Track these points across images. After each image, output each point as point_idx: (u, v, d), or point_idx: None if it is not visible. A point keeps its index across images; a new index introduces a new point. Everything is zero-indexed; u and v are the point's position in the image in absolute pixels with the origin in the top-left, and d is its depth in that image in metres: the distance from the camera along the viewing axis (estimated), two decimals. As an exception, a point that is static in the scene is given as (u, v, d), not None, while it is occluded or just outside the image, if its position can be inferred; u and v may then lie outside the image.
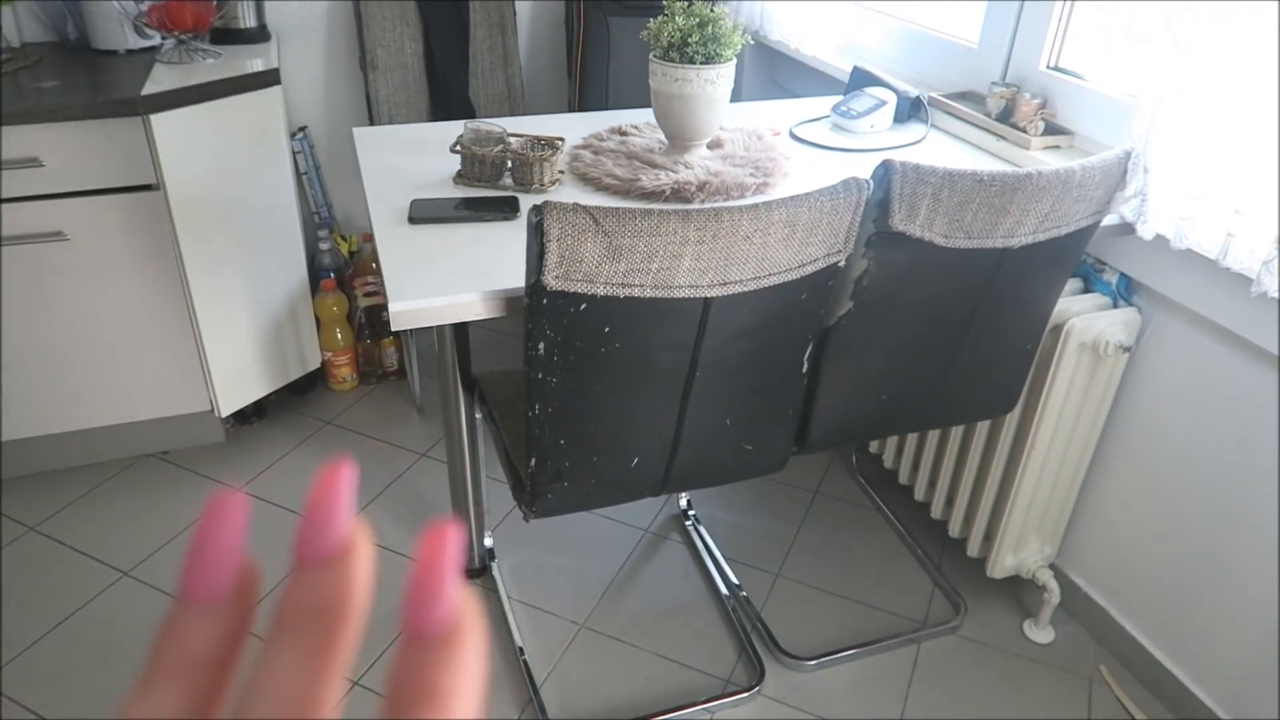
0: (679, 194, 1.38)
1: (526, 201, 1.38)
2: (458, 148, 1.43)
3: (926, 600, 1.79)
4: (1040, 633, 1.73)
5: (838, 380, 1.32)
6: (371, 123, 2.35)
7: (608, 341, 1.07)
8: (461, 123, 1.54)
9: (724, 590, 1.79)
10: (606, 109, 2.07)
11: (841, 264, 1.11)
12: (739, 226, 0.99)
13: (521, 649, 1.64)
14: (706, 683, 1.59)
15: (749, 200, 1.23)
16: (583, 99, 2.32)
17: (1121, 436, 1.59)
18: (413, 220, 1.30)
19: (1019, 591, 1.81)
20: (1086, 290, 1.57)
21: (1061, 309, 1.48)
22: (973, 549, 1.76)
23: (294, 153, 2.30)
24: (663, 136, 1.58)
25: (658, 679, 1.60)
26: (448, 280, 1.14)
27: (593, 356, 1.09)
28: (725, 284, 1.04)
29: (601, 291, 1.00)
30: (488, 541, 1.84)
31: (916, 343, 1.31)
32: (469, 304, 1.12)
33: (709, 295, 1.04)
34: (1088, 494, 1.68)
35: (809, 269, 1.09)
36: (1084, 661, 1.68)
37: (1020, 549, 1.71)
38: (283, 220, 2.05)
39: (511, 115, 2.33)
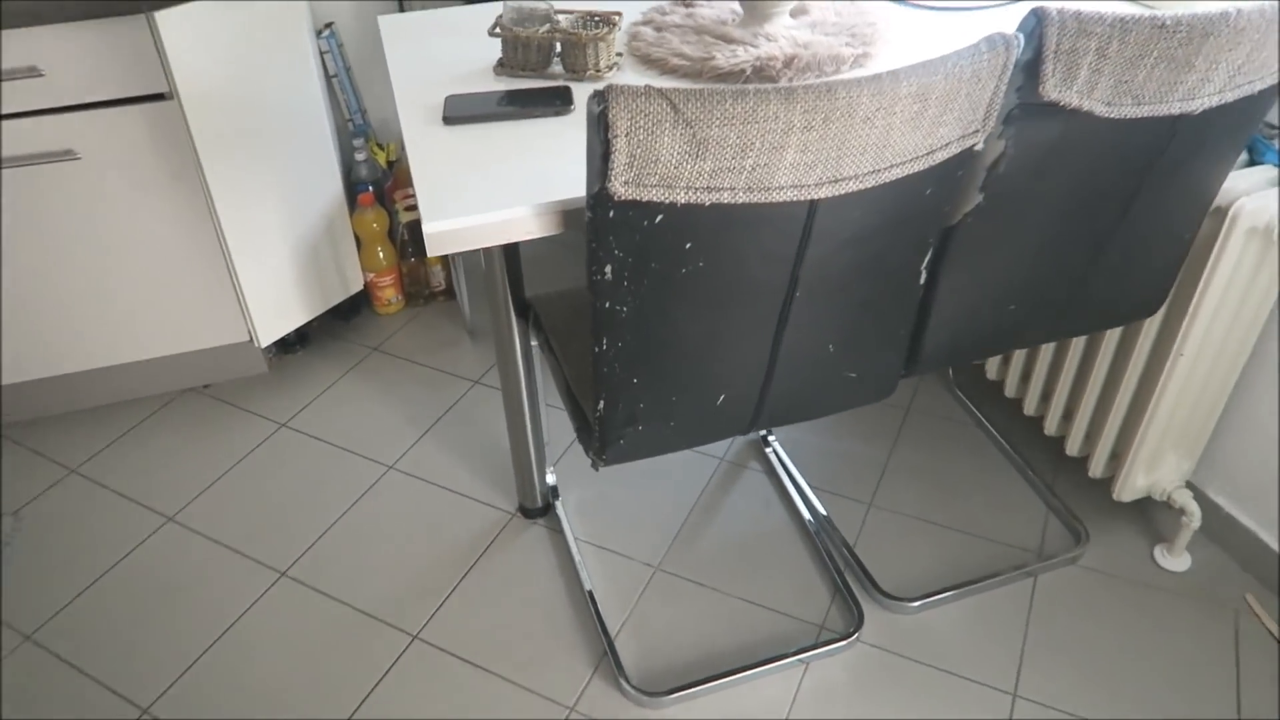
0: (762, 73, 1.15)
1: (581, 92, 1.16)
2: (497, 31, 1.21)
3: (1040, 528, 1.61)
4: (1175, 560, 1.53)
5: (959, 289, 1.11)
6: (402, 10, 2.12)
7: (689, 260, 0.88)
8: (501, 2, 1.31)
9: (812, 523, 1.62)
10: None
11: (979, 146, 0.89)
12: (857, 106, 0.77)
13: (592, 594, 1.50)
14: (798, 629, 1.45)
15: (855, 73, 1.00)
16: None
17: (1286, 340, 1.35)
18: (448, 120, 1.10)
19: (1147, 514, 1.61)
20: (1252, 162, 1.31)
21: (1225, 187, 1.22)
22: (1096, 469, 1.56)
23: (321, 53, 2.08)
24: (737, 5, 1.34)
25: (743, 625, 1.45)
26: (492, 192, 0.95)
27: (671, 278, 0.89)
28: (837, 181, 0.82)
29: (682, 198, 0.80)
30: (550, 478, 1.69)
31: (1056, 240, 1.08)
32: (518, 221, 0.92)
33: (816, 196, 0.83)
34: (1236, 400, 1.46)
35: (939, 155, 0.87)
36: (1228, 590, 1.48)
37: (1154, 467, 1.50)
38: (313, 129, 1.86)
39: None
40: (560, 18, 1.23)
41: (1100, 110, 0.91)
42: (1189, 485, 1.55)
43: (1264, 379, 1.40)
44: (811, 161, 0.80)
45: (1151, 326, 1.38)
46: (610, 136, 0.75)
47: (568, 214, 0.94)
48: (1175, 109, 0.94)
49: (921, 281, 1.04)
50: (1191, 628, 1.43)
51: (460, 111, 1.10)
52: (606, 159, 0.77)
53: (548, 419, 1.82)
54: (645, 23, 1.32)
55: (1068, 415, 1.61)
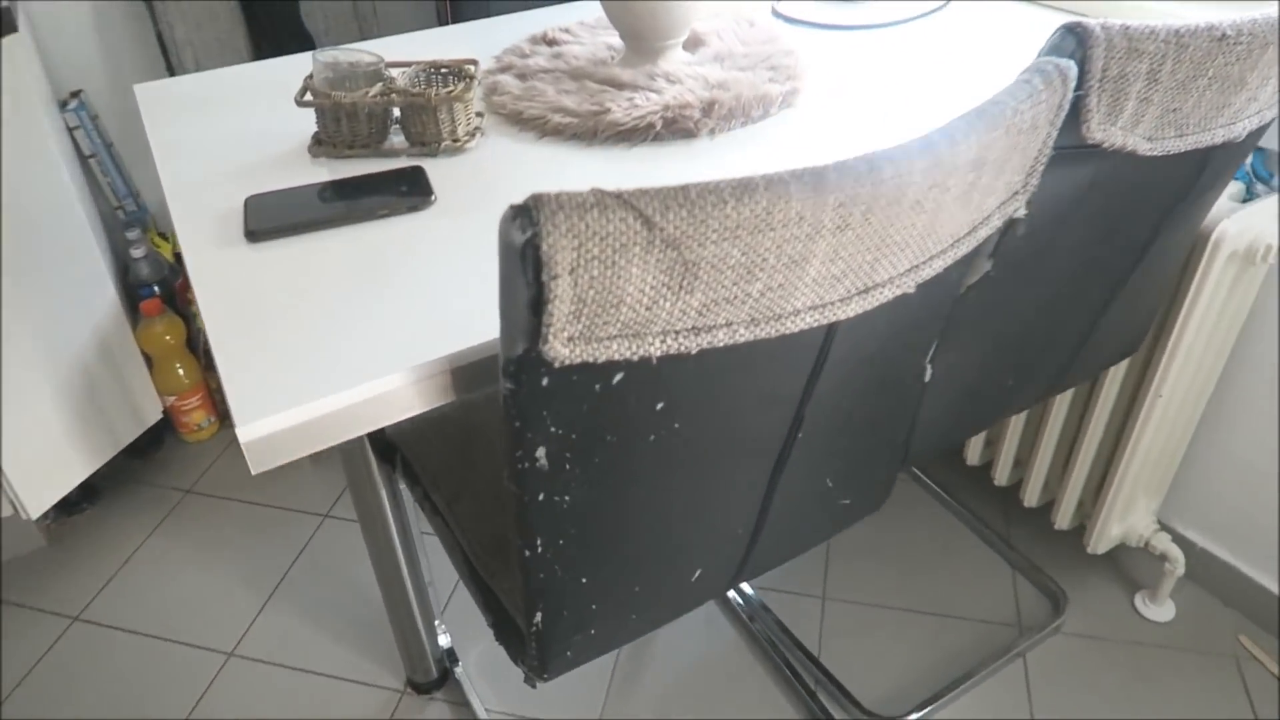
0: (676, 125, 0.88)
1: (439, 172, 0.86)
2: (308, 98, 0.88)
3: (1013, 594, 1.43)
4: (1159, 609, 1.39)
5: (954, 373, 0.88)
6: (172, 73, 1.72)
7: (661, 423, 0.59)
8: (308, 55, 0.98)
9: (763, 632, 1.37)
10: (490, 16, 1.51)
11: (1021, 212, 0.65)
12: (907, 187, 0.51)
13: (525, 783, 1.19)
14: (784, 781, 1.19)
15: (784, 114, 0.74)
16: (456, 8, 1.74)
17: (1253, 354, 1.23)
18: (253, 235, 0.76)
19: (1119, 561, 1.47)
20: (1209, 179, 1.16)
21: (1197, 211, 1.07)
22: (1062, 520, 1.39)
23: (70, 129, 1.65)
24: (614, 40, 1.07)
25: (718, 788, 1.18)
26: (338, 356, 0.63)
27: (634, 450, 0.61)
28: (868, 290, 0.56)
29: (657, 349, 0.52)
30: (443, 640, 1.35)
31: (1065, 299, 0.88)
32: (384, 399, 0.61)
33: (840, 317, 0.56)
34: (1204, 430, 1.33)
35: (981, 233, 0.63)
36: (1220, 634, 1.35)
37: (1128, 513, 1.35)
38: (66, 226, 1.43)
39: (363, 40, 1.73)
40: (394, 73, 0.92)
41: (1143, 148, 0.71)
42: (1161, 525, 1.41)
43: (1233, 404, 1.27)
44: (841, 272, 0.53)
45: (1121, 365, 1.22)
46: (546, 278, 0.46)
47: (462, 374, 0.63)
48: (1219, 137, 0.75)
49: (927, 379, 0.81)
50: (1196, 685, 1.28)
51: (269, 220, 0.77)
52: (539, 309, 0.48)
53: (428, 560, 1.48)
54: (503, 69, 1.02)
55: (1020, 461, 1.44)
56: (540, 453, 0.59)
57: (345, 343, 0.63)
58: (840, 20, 1.18)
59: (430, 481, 0.99)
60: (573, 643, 0.76)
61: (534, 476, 0.60)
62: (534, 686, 0.83)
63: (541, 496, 0.62)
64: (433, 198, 0.80)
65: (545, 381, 0.53)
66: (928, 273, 0.59)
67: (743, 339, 0.53)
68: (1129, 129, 0.69)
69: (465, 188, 0.83)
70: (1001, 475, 1.46)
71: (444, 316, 0.65)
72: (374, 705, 1.29)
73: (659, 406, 0.58)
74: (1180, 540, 1.40)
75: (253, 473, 0.57)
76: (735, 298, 0.51)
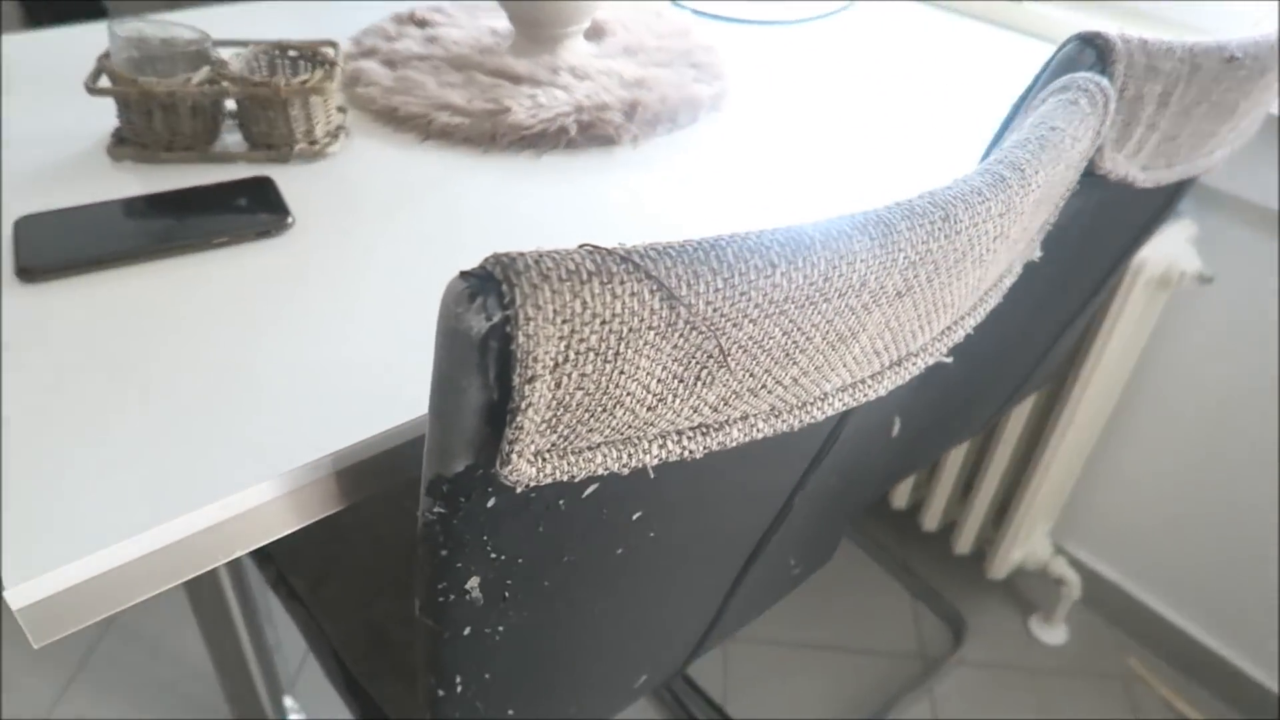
0: (593, 129, 0.73)
1: (293, 184, 0.67)
2: (104, 82, 0.67)
3: (911, 620, 1.37)
4: (1052, 631, 1.37)
5: (910, 419, 0.78)
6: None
7: (633, 534, 0.45)
8: (102, 27, 0.77)
9: (667, 687, 1.25)
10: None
11: (1038, 255, 0.55)
12: (979, 238, 0.39)
13: None
14: None
15: (713, 118, 0.62)
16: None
17: (1152, 379, 1.22)
18: (27, 274, 0.54)
19: (1013, 583, 1.45)
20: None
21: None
22: (963, 545, 1.35)
23: None
24: (497, 22, 0.90)
25: None
26: (154, 461, 0.44)
27: (595, 567, 0.46)
28: (901, 362, 0.44)
29: (652, 456, 0.37)
30: (294, 718, 1.15)
31: (1019, 335, 0.80)
32: (234, 524, 0.43)
33: (870, 396, 0.44)
34: (1098, 451, 1.32)
35: (1006, 281, 0.52)
36: (1110, 656, 1.35)
37: (1028, 538, 1.32)
38: None
39: (174, 10, 1.45)
40: (226, 54, 0.71)
41: (1140, 179, 0.62)
42: (1057, 548, 1.40)
43: (1128, 428, 1.27)
44: (884, 345, 0.41)
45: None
46: (518, 381, 0.30)
47: (352, 476, 0.46)
48: (1200, 167, 0.68)
49: (894, 434, 0.70)
50: (1089, 708, 1.27)
51: (52, 252, 0.56)
52: (501, 420, 0.32)
53: (272, 620, 1.26)
54: (366, 53, 0.83)
55: (919, 486, 1.39)
56: (473, 583, 0.43)
57: (171, 442, 0.44)
58: (749, 15, 1.07)
59: (286, 561, 0.79)
60: (490, 785, 0.60)
61: (461, 609, 0.44)
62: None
63: (468, 631, 0.46)
64: (289, 219, 0.61)
65: (492, 504, 0.38)
66: (958, 335, 0.47)
67: (761, 433, 0.40)
68: (1132, 156, 0.60)
69: (331, 206, 0.64)
70: (900, 499, 1.40)
71: (318, 391, 0.48)
72: (207, 817, 1.07)
73: (635, 517, 0.44)
74: (1073, 562, 1.39)
75: (35, 646, 0.38)
76: (762, 387, 0.37)
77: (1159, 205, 0.73)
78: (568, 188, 0.69)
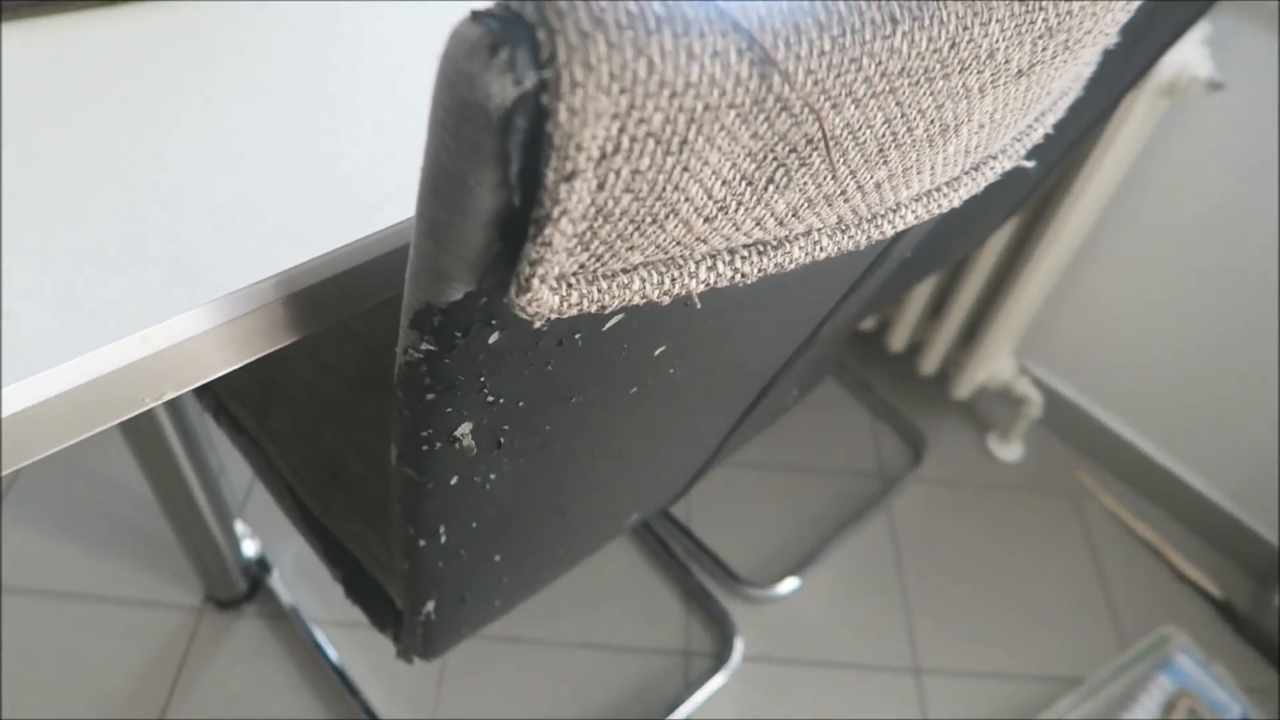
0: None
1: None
2: None
3: (871, 439, 1.38)
4: (1008, 448, 1.40)
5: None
6: None
7: (652, 371, 0.38)
8: None
9: (630, 506, 1.24)
10: None
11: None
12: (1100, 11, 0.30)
13: (369, 708, 1.01)
14: (659, 666, 1.09)
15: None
16: None
17: (1132, 198, 1.17)
18: None
19: (972, 403, 1.45)
20: None
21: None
22: (928, 366, 1.33)
23: None
24: None
25: (586, 682, 1.07)
26: (60, 282, 0.35)
27: (603, 408, 0.40)
28: (979, 166, 0.36)
29: (701, 281, 0.30)
30: (249, 548, 1.11)
31: (1038, 147, 0.73)
32: (167, 365, 0.35)
33: (942, 209, 0.36)
34: (1070, 274, 1.29)
35: (1086, 73, 0.43)
36: (1063, 472, 1.38)
37: (994, 358, 1.31)
38: None
39: None
40: None
41: None
42: (1021, 368, 1.39)
43: (1102, 248, 1.23)
44: (978, 142, 0.33)
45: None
46: (552, 177, 0.22)
47: (299, 305, 0.37)
48: None
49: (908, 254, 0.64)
50: (1042, 520, 1.31)
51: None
52: (521, 231, 0.24)
53: (213, 443, 1.19)
54: None
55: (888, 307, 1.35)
56: (464, 430, 0.36)
57: (79, 261, 0.35)
58: None
59: (225, 387, 0.72)
60: (471, 619, 0.57)
61: (448, 459, 0.38)
62: (410, 662, 0.63)
63: (455, 480, 0.40)
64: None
65: (494, 339, 0.30)
66: (1037, 135, 0.40)
67: (821, 255, 0.32)
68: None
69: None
70: (868, 320, 1.37)
71: (263, 198, 0.38)
72: (165, 632, 1.04)
73: (658, 352, 0.37)
74: (1034, 382, 1.39)
75: (2, 472, 0.30)
76: (840, 194, 0.29)
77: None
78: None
